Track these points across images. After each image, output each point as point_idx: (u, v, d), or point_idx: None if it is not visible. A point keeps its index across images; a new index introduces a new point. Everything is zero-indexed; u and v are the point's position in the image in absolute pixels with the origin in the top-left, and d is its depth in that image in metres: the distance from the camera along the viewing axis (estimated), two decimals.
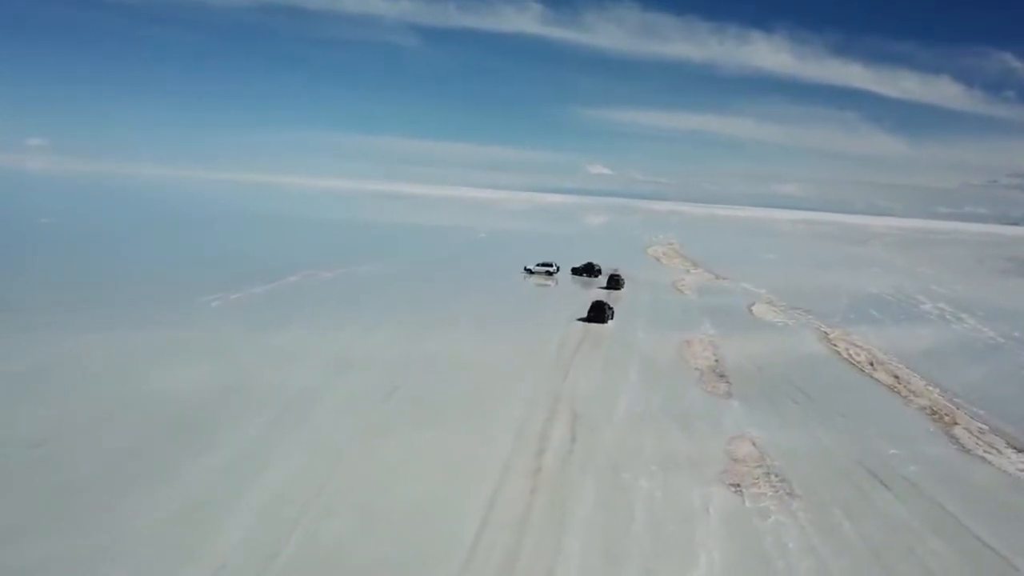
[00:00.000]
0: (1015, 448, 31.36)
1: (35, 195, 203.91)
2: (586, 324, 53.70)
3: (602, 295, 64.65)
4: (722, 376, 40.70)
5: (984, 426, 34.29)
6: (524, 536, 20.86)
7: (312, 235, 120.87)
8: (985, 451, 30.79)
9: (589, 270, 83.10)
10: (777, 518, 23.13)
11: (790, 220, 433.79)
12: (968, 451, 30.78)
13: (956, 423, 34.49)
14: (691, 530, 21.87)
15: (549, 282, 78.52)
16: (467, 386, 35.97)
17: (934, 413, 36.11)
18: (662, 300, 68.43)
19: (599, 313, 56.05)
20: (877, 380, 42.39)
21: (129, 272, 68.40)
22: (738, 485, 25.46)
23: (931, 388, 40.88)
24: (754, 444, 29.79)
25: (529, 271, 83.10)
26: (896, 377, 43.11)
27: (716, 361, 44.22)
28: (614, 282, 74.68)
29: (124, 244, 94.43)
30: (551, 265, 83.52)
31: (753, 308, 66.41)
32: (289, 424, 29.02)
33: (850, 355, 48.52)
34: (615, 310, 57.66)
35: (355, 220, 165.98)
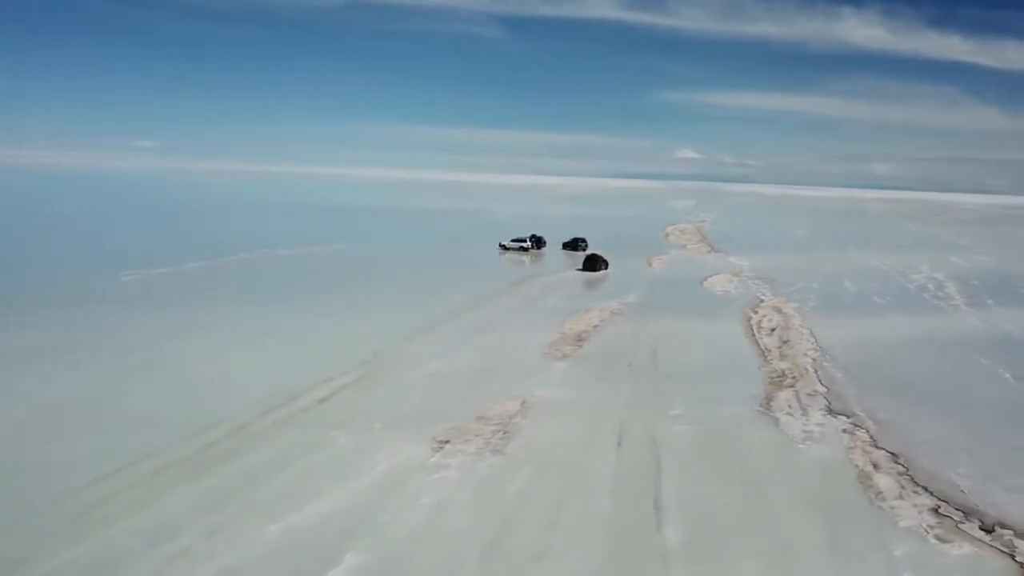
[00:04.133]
0: (830, 412, 28.10)
1: (47, 191, 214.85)
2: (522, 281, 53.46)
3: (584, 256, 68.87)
4: (579, 341, 38.39)
5: (823, 388, 31.01)
6: (131, 490, 19.81)
7: (316, 220, 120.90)
8: (787, 414, 27.66)
9: (574, 245, 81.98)
10: (447, 474, 21.28)
11: (875, 200, 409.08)
12: (767, 413, 27.74)
13: (792, 387, 31.22)
14: (329, 483, 20.34)
15: (523, 257, 77.05)
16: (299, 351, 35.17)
17: (781, 376, 32.86)
18: (618, 272, 65.49)
19: (593, 264, 65.96)
20: (757, 344, 39.10)
21: (89, 254, 70.28)
22: (445, 442, 23.60)
23: (809, 353, 37.32)
24: (522, 403, 27.76)
25: (504, 247, 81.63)
26: (784, 342, 39.63)
27: (594, 328, 41.82)
28: (572, 244, 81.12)
29: (127, 232, 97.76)
30: (525, 241, 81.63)
31: (707, 280, 62.76)
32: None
33: (759, 322, 44.97)
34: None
35: (376, 206, 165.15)
